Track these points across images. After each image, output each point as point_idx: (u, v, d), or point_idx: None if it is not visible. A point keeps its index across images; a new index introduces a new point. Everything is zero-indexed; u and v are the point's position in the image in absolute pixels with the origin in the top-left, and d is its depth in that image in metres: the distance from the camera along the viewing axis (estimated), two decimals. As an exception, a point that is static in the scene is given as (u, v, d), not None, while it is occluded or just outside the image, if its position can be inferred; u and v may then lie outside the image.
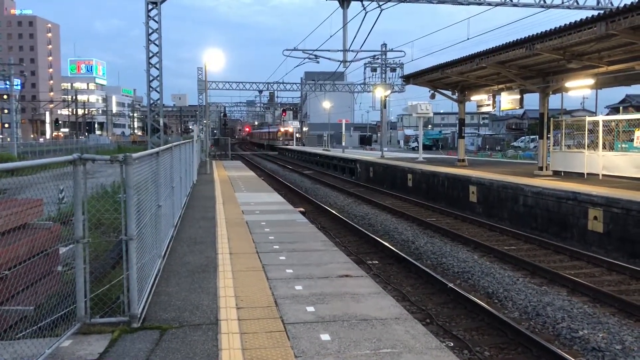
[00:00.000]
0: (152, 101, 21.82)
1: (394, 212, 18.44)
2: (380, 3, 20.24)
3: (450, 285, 9.40)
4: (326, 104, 59.11)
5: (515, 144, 67.54)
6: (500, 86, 21.69)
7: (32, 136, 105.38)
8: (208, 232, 10.10)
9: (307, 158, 50.53)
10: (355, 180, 31.24)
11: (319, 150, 49.50)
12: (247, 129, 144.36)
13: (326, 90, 61.52)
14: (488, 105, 22.63)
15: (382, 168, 28.35)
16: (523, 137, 71.39)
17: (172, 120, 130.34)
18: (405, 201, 21.63)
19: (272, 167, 44.55)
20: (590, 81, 16.77)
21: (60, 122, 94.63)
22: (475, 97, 23.68)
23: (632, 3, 12.12)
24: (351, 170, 34.70)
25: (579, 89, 17.92)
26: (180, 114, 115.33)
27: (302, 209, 15.60)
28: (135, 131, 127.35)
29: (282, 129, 69.55)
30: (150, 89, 21.36)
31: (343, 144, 45.64)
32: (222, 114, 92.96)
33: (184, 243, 9.13)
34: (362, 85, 56.56)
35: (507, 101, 20.71)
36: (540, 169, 18.97)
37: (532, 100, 21.04)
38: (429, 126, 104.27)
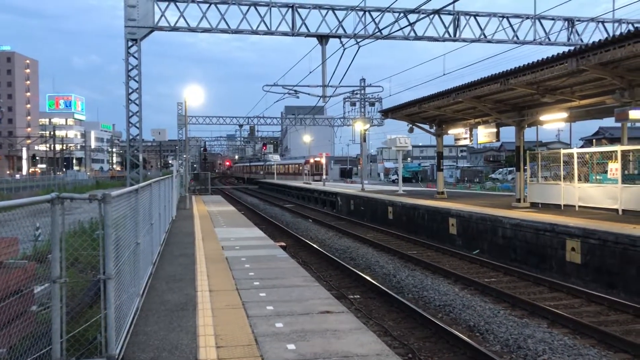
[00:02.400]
0: (131, 136, 21.76)
1: (375, 245, 18.46)
2: (358, 40, 20.67)
3: (432, 319, 9.40)
4: (306, 138, 59.55)
5: (493, 175, 68.46)
6: (477, 120, 22.10)
7: (8, 172, 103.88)
8: (187, 269, 9.99)
9: (288, 191, 50.51)
10: (337, 213, 31.27)
11: (299, 183, 49.57)
12: (227, 163, 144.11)
13: (306, 124, 62.16)
14: (465, 138, 22.97)
15: (362, 201, 28.45)
16: (501, 169, 72.47)
17: (151, 155, 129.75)
18: (387, 234, 21.66)
19: (253, 201, 44.39)
20: (564, 115, 17.19)
21: (37, 157, 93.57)
22: (452, 131, 24.05)
23: (599, 40, 12.57)
24: (332, 204, 34.74)
25: (553, 122, 18.35)
26: (159, 149, 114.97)
27: (283, 244, 15.53)
28: (114, 166, 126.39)
29: (311, 160, 62.14)
30: (130, 124, 21.33)
31: (324, 176, 45.74)
32: (202, 149, 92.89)
33: (162, 281, 9.01)
34: (342, 119, 57.25)
35: (484, 134, 21.07)
36: (518, 200, 19.22)
37: (509, 132, 21.47)
38: (409, 159, 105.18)
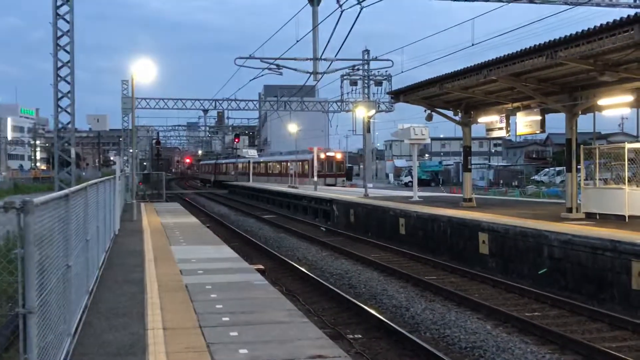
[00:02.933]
0: (60, 125, 21.67)
1: (382, 269, 18.47)
2: (360, -2, 20.68)
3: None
4: (292, 127, 59.71)
5: (536, 177, 68.88)
6: (516, 104, 22.19)
7: None
8: (134, 299, 9.95)
9: (268, 198, 50.47)
10: (332, 226, 31.29)
11: (283, 187, 49.63)
12: (187, 160, 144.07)
13: (292, 110, 62.10)
14: (500, 128, 23.06)
15: (366, 210, 28.45)
16: (546, 169, 72.89)
17: (87, 149, 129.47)
18: (397, 254, 21.68)
19: (221, 211, 44.34)
20: (629, 98, 17.28)
21: None
22: (483, 119, 24.14)
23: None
24: (326, 214, 34.70)
25: (615, 107, 18.49)
26: (98, 142, 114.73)
27: (261, 267, 15.51)
28: (38, 164, 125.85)
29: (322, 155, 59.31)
30: (59, 109, 21.24)
31: (315, 178, 45.73)
32: (154, 141, 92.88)
33: (102, 315, 8.97)
34: (339, 103, 57.29)
35: (525, 123, 21.17)
36: (569, 210, 19.31)
37: (557, 120, 21.59)
38: (426, 155, 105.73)
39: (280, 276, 17.73)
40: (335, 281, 17.02)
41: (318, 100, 65.83)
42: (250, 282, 11.37)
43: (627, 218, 17.71)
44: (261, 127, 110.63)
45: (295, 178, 53.34)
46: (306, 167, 56.90)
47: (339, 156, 57.51)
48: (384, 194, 38.10)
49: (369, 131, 40.74)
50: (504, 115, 22.88)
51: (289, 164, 59.20)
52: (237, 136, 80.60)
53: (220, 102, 58.88)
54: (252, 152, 71.18)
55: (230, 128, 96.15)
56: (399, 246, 22.83)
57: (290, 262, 19.62)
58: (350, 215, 30.19)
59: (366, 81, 51.74)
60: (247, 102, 59.71)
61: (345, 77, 53.19)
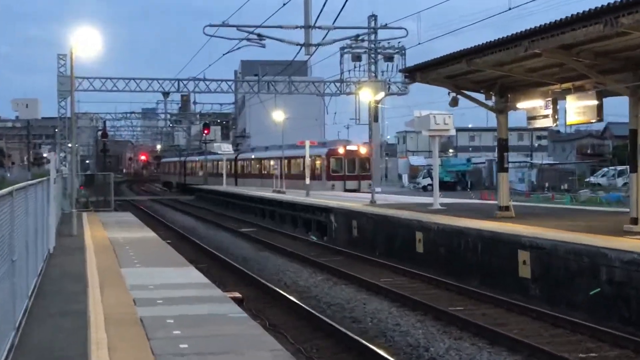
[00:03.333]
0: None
1: (394, 297, 18.46)
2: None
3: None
4: (278, 115, 59.44)
5: (592, 179, 68.98)
6: (566, 85, 22.17)
7: None
8: (74, 336, 9.92)
9: (247, 206, 50.37)
10: (329, 242, 31.32)
11: (265, 193, 49.57)
12: (143, 158, 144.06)
13: (278, 92, 61.97)
14: (545, 116, 23.02)
15: (373, 222, 28.46)
16: (605, 169, 73.01)
17: (13, 143, 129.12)
18: (412, 277, 21.69)
19: (187, 222, 44.28)
20: None
21: None
22: (524, 104, 24.11)
23: None
24: (321, 227, 34.64)
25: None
26: (27, 134, 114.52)
27: (237, 295, 15.51)
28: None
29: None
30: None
31: (307, 181, 45.71)
32: (99, 133, 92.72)
33: (32, 357, 8.93)
34: (338, 84, 57.25)
35: (577, 110, 21.14)
36: (635, 221, 19.29)
37: (619, 107, 21.61)
38: (450, 151, 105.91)
39: (263, 307, 17.64)
40: (334, 313, 16.97)
41: (311, 80, 65.75)
42: (224, 314, 11.34)
43: None
44: (238, 114, 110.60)
45: (281, 180, 52.65)
46: (317, 165, 54.78)
47: (363, 151, 53.56)
48: (396, 200, 38.06)
49: (376, 120, 40.86)
50: (550, 99, 22.84)
51: (293, 161, 57.30)
52: (206, 126, 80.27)
53: (185, 82, 58.67)
54: (226, 147, 71.05)
55: (198, 116, 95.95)
56: (415, 268, 22.77)
57: (275, 288, 19.54)
58: (353, 228, 30.15)
59: (373, 55, 51.81)
60: (219, 82, 59.56)
61: (346, 50, 53.26)
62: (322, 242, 31.68)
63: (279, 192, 49.56)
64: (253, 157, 70.61)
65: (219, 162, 73.95)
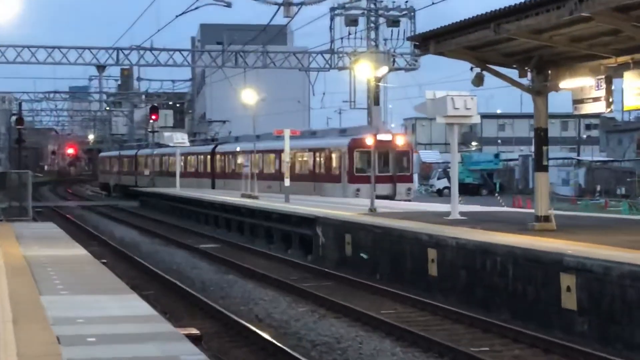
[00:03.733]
0: None
1: (399, 335, 18.41)
2: None
3: None
4: (249, 95, 59.31)
5: (658, 181, 69.22)
6: (623, 59, 22.19)
7: None
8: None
9: (208, 215, 50.28)
10: (315, 263, 31.38)
11: (233, 198, 49.48)
12: (71, 151, 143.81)
13: (248, 66, 61.92)
14: (597, 99, 23.03)
15: (372, 236, 28.49)
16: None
17: None
18: (424, 309, 21.72)
19: (127, 236, 44.30)
20: None
21: None
22: (569, 83, 24.12)
23: None
24: (305, 241, 34.65)
25: None
26: None
27: (194, 331, 15.38)
28: None
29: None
30: None
31: (287, 182, 45.60)
32: (13, 118, 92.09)
33: None
34: (328, 57, 57.32)
35: (638, 91, 21.15)
36: None
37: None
38: (473, 144, 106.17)
39: (228, 347, 17.62)
40: (321, 356, 16.91)
41: (292, 50, 65.98)
42: (176, 356, 11.21)
43: None
44: (196, 95, 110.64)
45: (252, 181, 51.97)
46: (333, 162, 51.45)
47: (400, 141, 50.22)
48: (401, 207, 38.06)
49: (377, 103, 40.89)
50: (602, 77, 22.86)
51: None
52: (154, 110, 79.85)
53: (126, 52, 58.71)
54: (181, 137, 70.66)
55: (144, 97, 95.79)
56: (426, 296, 22.82)
57: (243, 322, 19.45)
58: (346, 243, 30.11)
59: (373, 19, 51.87)
60: (171, 52, 59.59)
61: (337, 11, 53.28)
62: (305, 263, 31.58)
63: (249, 196, 49.41)
64: (240, 149, 64.44)
65: (170, 156, 73.79)
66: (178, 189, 64.96)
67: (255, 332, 18.46)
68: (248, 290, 25.40)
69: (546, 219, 25.57)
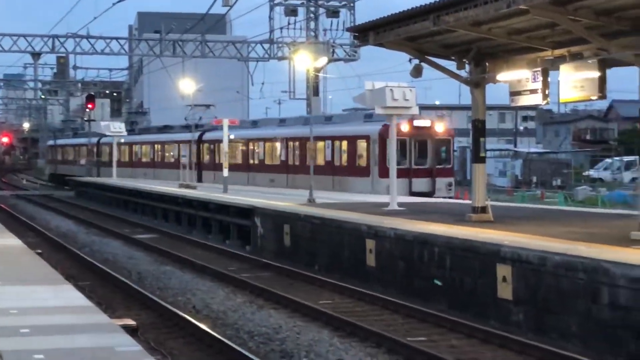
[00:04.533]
0: None
1: (338, 325, 18.44)
2: None
3: None
4: (187, 85, 59.02)
5: (592, 173, 69.99)
6: (559, 52, 22.39)
7: None
8: None
9: (145, 206, 49.98)
10: (253, 254, 31.38)
11: (171, 188, 49.19)
12: (4, 139, 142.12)
13: (187, 55, 61.60)
14: (534, 91, 23.18)
15: (311, 227, 28.58)
16: (608, 160, 74.07)
17: None
18: (362, 299, 21.77)
19: (62, 226, 43.89)
20: None
21: None
22: (506, 75, 24.26)
23: None
24: (243, 232, 34.64)
25: None
26: None
27: (130, 322, 15.31)
28: None
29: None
30: None
31: (225, 172, 45.29)
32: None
33: None
34: (267, 47, 57.18)
35: (574, 84, 21.34)
36: (646, 228, 19.58)
37: (627, 81, 21.85)
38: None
39: (164, 337, 17.52)
40: (258, 346, 16.89)
41: (231, 40, 65.66)
42: (111, 347, 11.18)
43: None
44: (133, 84, 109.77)
45: (187, 170, 51.32)
46: (359, 152, 44.83)
47: (440, 128, 44.84)
48: (341, 199, 37.96)
49: (317, 93, 40.88)
50: (539, 69, 23.03)
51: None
52: (90, 99, 79.03)
53: (62, 40, 58.17)
54: (117, 126, 70.07)
55: (80, 85, 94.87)
56: (365, 286, 22.86)
57: (180, 313, 19.39)
58: (285, 234, 30.16)
59: (313, 9, 51.86)
60: (108, 40, 59.13)
61: (277, 1, 53.18)
62: (243, 253, 31.55)
63: (187, 186, 49.22)
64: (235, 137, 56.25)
65: (105, 145, 72.95)
66: (115, 179, 64.44)
67: (192, 322, 18.43)
68: (185, 281, 25.30)
69: (483, 210, 25.76)
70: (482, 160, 26.53)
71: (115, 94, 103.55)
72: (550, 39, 22.21)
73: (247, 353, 15.64)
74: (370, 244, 24.20)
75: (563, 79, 21.70)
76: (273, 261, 28.73)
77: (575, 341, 16.32)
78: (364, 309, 20.62)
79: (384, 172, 40.31)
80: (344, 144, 45.22)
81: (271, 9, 53.69)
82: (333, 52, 53.03)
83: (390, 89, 29.90)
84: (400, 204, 30.75)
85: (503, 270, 18.46)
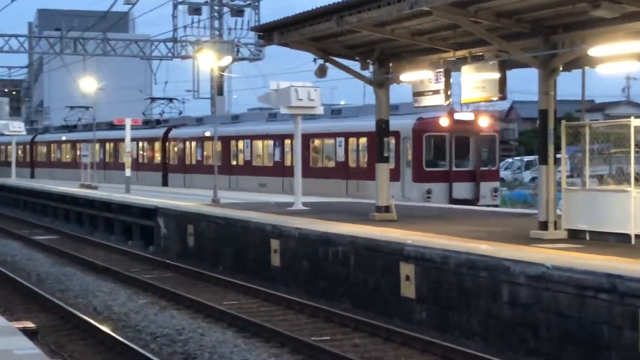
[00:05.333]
0: None
1: (241, 325, 18.49)
2: None
3: None
4: (88, 83, 58.41)
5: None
6: (461, 53, 22.64)
7: None
8: None
9: (45, 206, 49.36)
10: (156, 254, 31.29)
11: (71, 188, 48.63)
12: None
13: (88, 53, 60.96)
14: (436, 92, 23.37)
15: (215, 227, 28.55)
16: (509, 160, 75.07)
17: None
18: (266, 299, 21.87)
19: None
20: (639, 45, 17.96)
21: None
22: (409, 76, 24.41)
23: None
24: (145, 232, 34.51)
25: (617, 60, 19.13)
26: None
27: (30, 325, 15.18)
28: None
29: None
30: None
31: (127, 172, 44.93)
32: None
33: None
34: (171, 45, 56.87)
35: (475, 84, 21.57)
36: (544, 226, 19.84)
37: (527, 82, 22.19)
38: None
39: (66, 340, 17.37)
40: (160, 348, 16.84)
41: (134, 38, 65.16)
42: (9, 351, 11.05)
43: (633, 238, 18.24)
44: (33, 82, 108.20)
45: (91, 170, 50.98)
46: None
47: (484, 123, 39.07)
48: (245, 198, 37.89)
49: (221, 93, 40.81)
50: (441, 70, 23.23)
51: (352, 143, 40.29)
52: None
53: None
54: (17, 126, 69.12)
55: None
56: (269, 287, 22.94)
57: (80, 315, 19.22)
58: (188, 235, 30.08)
59: (217, 8, 51.73)
60: (7, 38, 58.37)
61: (180, 0, 52.94)
62: (146, 254, 31.34)
63: (88, 187, 48.71)
64: (210, 134, 48.19)
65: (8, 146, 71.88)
66: (14, 179, 63.51)
67: (93, 325, 18.27)
68: (87, 282, 25.04)
69: (387, 209, 25.94)
70: (386, 160, 26.73)
71: (14, 93, 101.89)
72: (452, 40, 22.46)
73: (149, 355, 15.58)
74: (275, 244, 24.22)
75: (464, 80, 21.92)
76: (177, 262, 28.57)
77: (477, 339, 16.53)
78: (268, 309, 20.62)
79: (420, 175, 36.94)
80: (362, 141, 39.42)
81: (174, 7, 53.52)
82: (238, 51, 52.96)
83: (295, 89, 29.95)
84: (304, 204, 30.83)
85: (406, 269, 18.62)
